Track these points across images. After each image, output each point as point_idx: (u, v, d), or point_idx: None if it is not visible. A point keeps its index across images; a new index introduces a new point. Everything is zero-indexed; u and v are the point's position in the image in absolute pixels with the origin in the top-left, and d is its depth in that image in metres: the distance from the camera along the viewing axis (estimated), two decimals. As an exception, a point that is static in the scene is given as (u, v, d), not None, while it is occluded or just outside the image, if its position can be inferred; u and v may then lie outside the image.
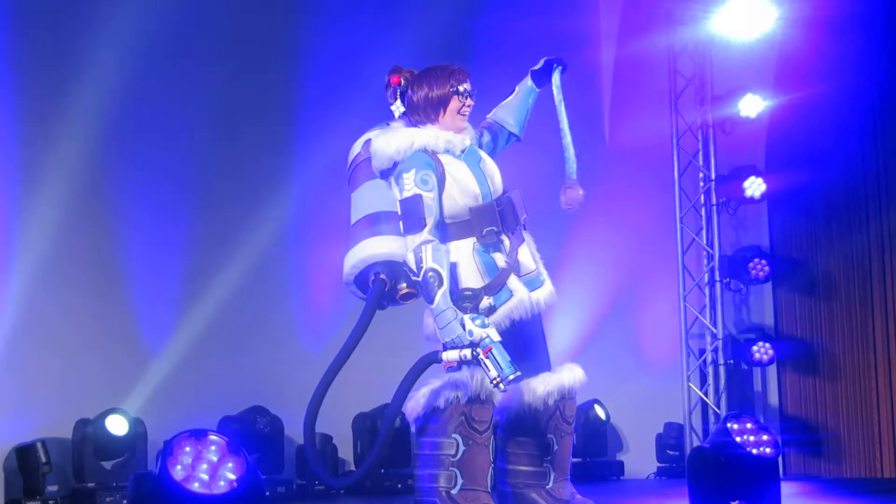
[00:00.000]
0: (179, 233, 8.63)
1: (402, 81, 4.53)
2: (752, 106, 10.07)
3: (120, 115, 8.38)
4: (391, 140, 4.42)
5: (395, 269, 4.35)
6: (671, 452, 10.17)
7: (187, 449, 5.13)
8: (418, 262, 4.22)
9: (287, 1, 9.23)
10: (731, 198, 10.32)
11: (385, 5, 9.39)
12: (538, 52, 9.55)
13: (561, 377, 4.58)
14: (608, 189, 10.23)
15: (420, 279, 4.21)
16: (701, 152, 10.29)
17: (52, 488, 7.54)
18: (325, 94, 9.14)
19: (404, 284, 4.35)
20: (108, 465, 7.79)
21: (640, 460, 10.32)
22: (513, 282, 4.43)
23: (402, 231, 4.32)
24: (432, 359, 4.21)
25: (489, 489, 4.44)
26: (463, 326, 4.15)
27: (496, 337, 4.13)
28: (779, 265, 10.47)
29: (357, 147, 4.60)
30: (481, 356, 4.08)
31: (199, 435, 5.20)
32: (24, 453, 7.38)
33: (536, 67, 4.84)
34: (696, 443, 9.52)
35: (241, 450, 5.29)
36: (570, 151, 4.64)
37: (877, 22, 10.11)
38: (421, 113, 4.52)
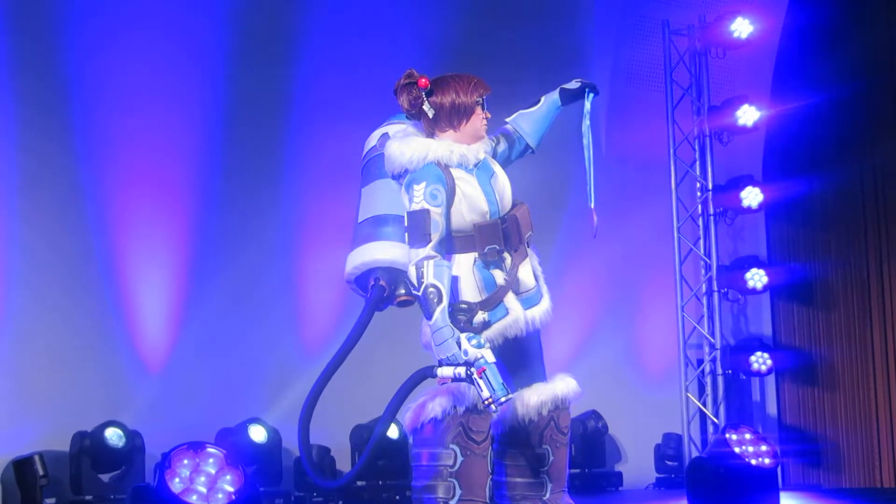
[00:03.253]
0: (177, 244, 8.62)
1: (430, 85, 4.47)
2: (749, 115, 10.06)
3: (117, 120, 8.38)
4: (405, 149, 4.38)
5: (394, 275, 4.34)
6: (670, 463, 10.15)
7: (185, 461, 5.14)
8: (419, 276, 4.22)
9: (286, 6, 9.23)
10: (729, 208, 10.30)
11: (382, 15, 9.39)
12: (535, 61, 9.59)
13: (554, 387, 4.57)
14: (605, 199, 10.21)
15: (420, 294, 4.21)
16: (698, 162, 10.29)
17: (50, 501, 7.52)
18: (324, 100, 9.13)
19: (402, 291, 4.35)
20: (105, 477, 7.78)
21: (638, 471, 10.29)
22: (510, 299, 4.43)
23: (406, 241, 4.31)
24: (427, 373, 4.21)
25: (487, 500, 4.43)
26: (458, 345, 4.15)
27: (491, 358, 4.13)
28: (777, 275, 10.45)
29: (373, 140, 4.56)
30: (475, 376, 4.09)
31: (196, 447, 5.20)
32: (21, 466, 7.35)
33: (568, 87, 4.75)
34: (694, 453, 9.51)
35: (238, 462, 5.29)
36: (592, 181, 4.64)
37: (874, 31, 10.12)
38: (445, 119, 4.46)
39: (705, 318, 10.16)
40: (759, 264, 10.36)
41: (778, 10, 9.73)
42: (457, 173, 4.40)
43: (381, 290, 4.33)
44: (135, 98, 8.46)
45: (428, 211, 4.27)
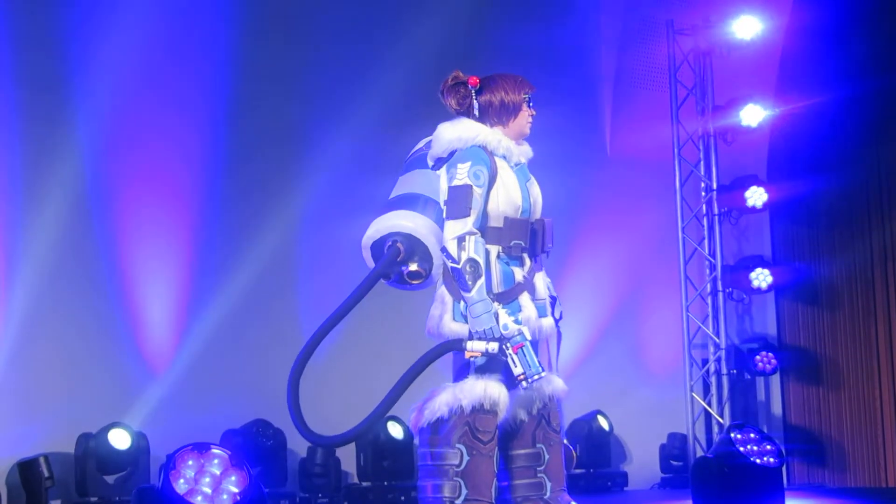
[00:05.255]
0: (183, 245, 8.63)
1: (479, 83, 4.55)
2: (754, 115, 10.06)
3: (123, 121, 8.38)
4: (457, 127, 4.49)
5: (413, 243, 4.40)
6: (675, 463, 10.15)
7: (190, 462, 5.14)
8: (460, 250, 4.27)
9: (288, 10, 9.23)
10: (733, 207, 10.32)
11: (387, 16, 9.40)
12: (540, 62, 9.57)
13: (540, 385, 4.59)
14: (609, 199, 10.23)
15: (459, 267, 4.25)
16: (702, 162, 10.29)
17: (55, 503, 7.52)
18: (327, 104, 9.13)
19: (416, 264, 4.38)
20: (110, 479, 7.77)
21: (643, 471, 10.30)
22: (524, 299, 4.46)
23: (443, 216, 4.37)
24: (454, 346, 4.24)
25: (493, 500, 4.43)
26: (496, 320, 4.21)
27: (528, 336, 4.23)
28: (781, 274, 10.46)
29: (421, 143, 4.68)
30: (510, 351, 4.16)
31: (201, 448, 5.20)
32: (26, 468, 7.36)
33: None
34: (699, 453, 9.50)
35: (243, 463, 5.29)
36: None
37: (877, 31, 10.11)
38: (494, 116, 4.56)
39: (710, 318, 10.16)
40: (763, 264, 10.37)
41: (782, 11, 9.72)
42: (499, 163, 4.49)
43: (397, 252, 4.37)
44: (141, 97, 8.46)
45: (470, 187, 4.35)
